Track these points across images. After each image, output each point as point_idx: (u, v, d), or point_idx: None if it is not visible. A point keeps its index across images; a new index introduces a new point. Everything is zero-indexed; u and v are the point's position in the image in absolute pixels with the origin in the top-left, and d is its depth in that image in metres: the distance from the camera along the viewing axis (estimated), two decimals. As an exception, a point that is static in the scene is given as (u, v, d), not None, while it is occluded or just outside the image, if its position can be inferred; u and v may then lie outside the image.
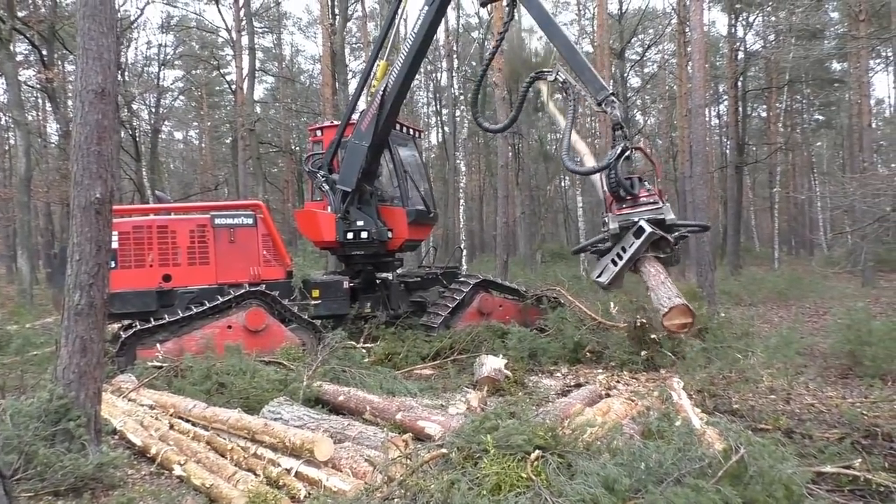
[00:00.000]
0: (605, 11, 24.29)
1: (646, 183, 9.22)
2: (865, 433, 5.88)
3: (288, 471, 5.10)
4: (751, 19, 30.60)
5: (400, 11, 10.90)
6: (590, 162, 10.13)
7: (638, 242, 8.55)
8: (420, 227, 12.01)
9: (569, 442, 3.80)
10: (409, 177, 11.68)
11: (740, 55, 29.20)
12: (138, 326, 9.03)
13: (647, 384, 8.58)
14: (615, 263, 8.73)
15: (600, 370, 9.41)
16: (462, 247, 17.97)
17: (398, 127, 12.17)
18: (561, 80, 9.43)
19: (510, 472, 3.36)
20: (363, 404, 7.00)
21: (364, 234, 11.10)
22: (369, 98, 10.92)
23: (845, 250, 30.42)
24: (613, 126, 8.92)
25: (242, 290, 9.59)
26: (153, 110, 32.43)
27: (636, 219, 8.71)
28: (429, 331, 10.93)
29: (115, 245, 9.47)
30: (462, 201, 23.75)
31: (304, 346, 9.65)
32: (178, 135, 53.09)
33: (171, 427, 6.41)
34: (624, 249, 8.68)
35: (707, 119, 40.29)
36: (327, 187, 11.23)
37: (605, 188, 9.13)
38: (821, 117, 45.27)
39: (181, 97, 40.41)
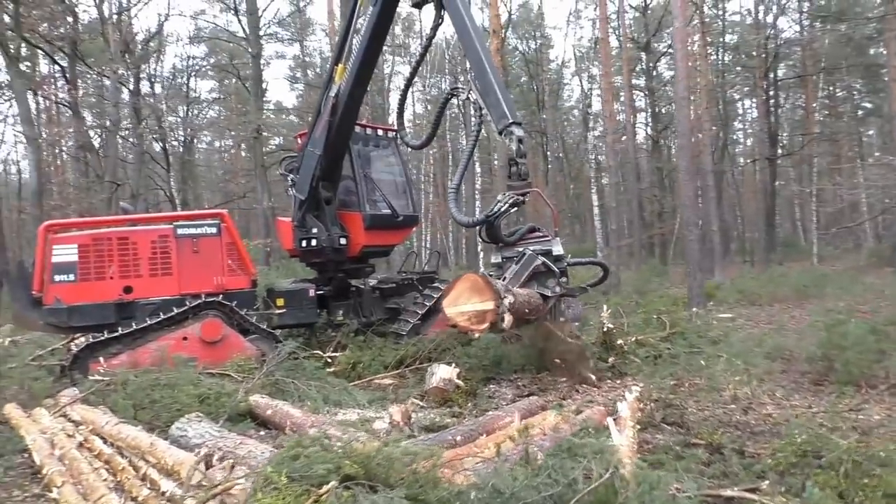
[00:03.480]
0: (605, 4, 23.52)
1: (541, 229, 8.84)
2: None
3: (163, 494, 4.89)
4: (783, 2, 29.37)
5: (357, 11, 10.54)
6: None
7: (516, 268, 7.95)
8: (385, 233, 11.60)
9: (385, 469, 3.46)
10: (368, 180, 11.33)
11: (770, 45, 28.01)
12: (91, 339, 8.97)
13: (606, 393, 8.12)
14: None
15: (564, 378, 8.95)
16: (440, 252, 17.50)
17: (369, 129, 11.88)
18: (472, 99, 8.50)
19: (285, 507, 3.05)
20: (285, 419, 6.76)
21: (314, 242, 10.88)
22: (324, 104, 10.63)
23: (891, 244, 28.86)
24: (508, 161, 8.02)
25: (198, 301, 9.47)
26: (182, 121, 33.16)
27: (521, 249, 8.28)
28: (398, 338, 10.60)
29: (74, 258, 9.49)
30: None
31: (263, 356, 9.46)
32: (218, 144, 54.29)
33: (82, 444, 6.27)
34: (504, 280, 7.86)
35: (742, 112, 38.94)
36: (291, 192, 11.06)
37: (483, 236, 8.80)
38: (869, 105, 43.16)
39: (215, 107, 41.22)
